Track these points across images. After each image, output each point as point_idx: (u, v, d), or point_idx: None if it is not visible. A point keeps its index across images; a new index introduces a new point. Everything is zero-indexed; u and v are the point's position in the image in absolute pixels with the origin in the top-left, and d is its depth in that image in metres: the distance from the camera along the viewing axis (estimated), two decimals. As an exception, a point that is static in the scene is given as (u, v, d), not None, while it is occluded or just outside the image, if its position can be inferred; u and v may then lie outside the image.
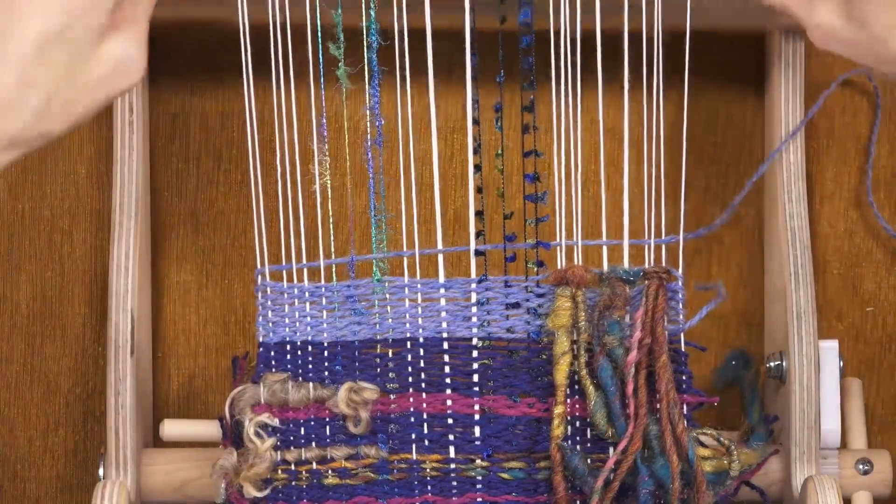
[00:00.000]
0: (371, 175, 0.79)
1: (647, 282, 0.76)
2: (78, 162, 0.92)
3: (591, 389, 0.75)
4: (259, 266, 0.79)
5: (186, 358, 0.92)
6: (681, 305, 0.78)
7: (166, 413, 0.91)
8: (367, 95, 0.78)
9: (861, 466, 0.84)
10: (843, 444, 0.85)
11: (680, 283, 0.78)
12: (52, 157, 0.92)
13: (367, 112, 0.78)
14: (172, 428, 0.85)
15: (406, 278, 0.79)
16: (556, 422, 0.75)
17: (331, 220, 0.79)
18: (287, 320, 0.79)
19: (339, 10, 0.77)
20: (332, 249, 0.79)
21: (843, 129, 0.93)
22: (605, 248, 0.78)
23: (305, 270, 0.79)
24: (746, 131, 0.92)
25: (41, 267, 0.92)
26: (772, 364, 0.83)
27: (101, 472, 0.83)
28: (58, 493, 0.92)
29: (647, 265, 0.77)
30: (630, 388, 0.74)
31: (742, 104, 0.92)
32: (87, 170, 0.92)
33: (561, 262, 0.78)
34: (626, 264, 0.78)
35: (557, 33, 0.78)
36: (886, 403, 0.94)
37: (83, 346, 0.92)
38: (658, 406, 0.75)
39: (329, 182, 0.78)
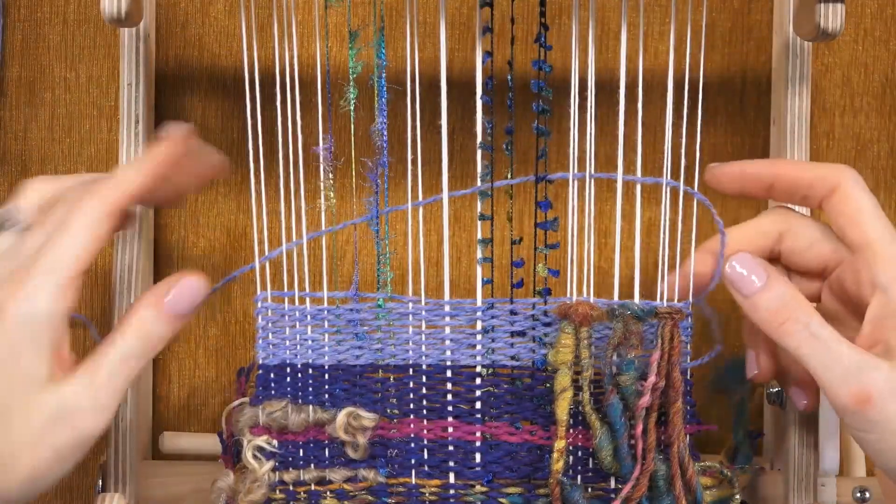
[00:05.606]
0: (376, 197, 0.78)
1: (660, 322, 0.75)
2: (78, 162, 0.91)
3: (596, 424, 0.75)
4: (260, 290, 0.78)
5: (186, 360, 0.92)
6: (689, 339, 0.77)
7: (166, 417, 0.92)
8: (376, 112, 0.78)
9: (859, 494, 0.84)
10: (842, 472, 0.85)
11: (690, 320, 0.77)
12: (52, 157, 0.91)
13: (374, 134, 0.78)
14: (172, 441, 0.85)
15: (410, 305, 0.78)
16: (555, 456, 0.75)
17: (334, 245, 0.79)
18: (287, 342, 0.78)
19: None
20: (336, 268, 0.79)
21: (843, 129, 0.92)
22: (616, 280, 0.78)
23: (307, 283, 0.79)
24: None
25: (41, 268, 0.91)
26: (772, 390, 0.83)
27: (99, 483, 0.83)
28: (58, 494, 0.92)
29: (658, 300, 0.77)
30: (639, 428, 0.74)
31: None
32: (88, 170, 0.91)
33: (571, 289, 0.78)
34: (636, 299, 0.77)
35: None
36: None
37: (84, 348, 0.92)
38: (665, 442, 0.75)
39: (334, 204, 0.78)
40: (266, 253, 0.78)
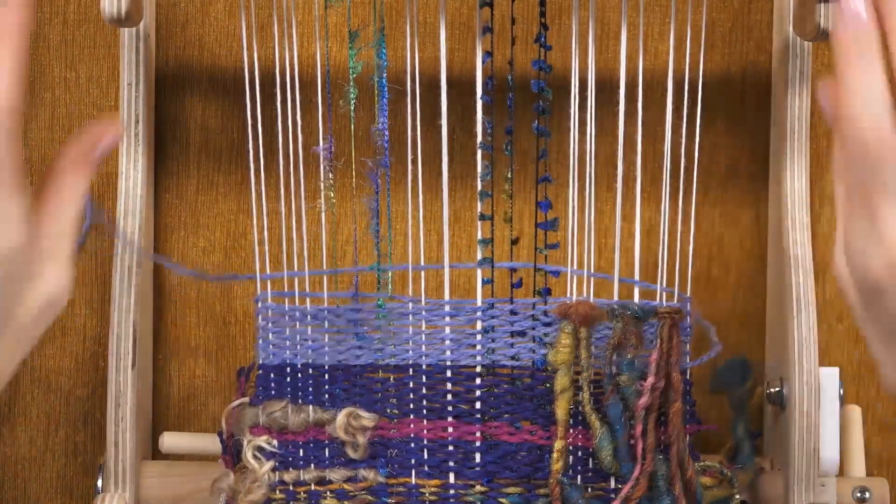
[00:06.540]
0: (377, 197, 0.78)
1: (660, 322, 0.75)
2: (78, 162, 0.91)
3: (596, 424, 0.75)
4: (260, 290, 0.78)
5: (186, 359, 0.92)
6: (688, 339, 0.77)
7: (166, 416, 0.91)
8: (376, 110, 0.78)
9: (859, 494, 0.84)
10: (842, 472, 0.85)
11: (689, 320, 0.77)
12: (52, 157, 0.91)
13: (375, 131, 0.78)
14: (172, 441, 0.85)
15: (410, 305, 0.78)
16: (555, 456, 0.75)
17: (334, 242, 0.79)
18: (288, 343, 0.78)
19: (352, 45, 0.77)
20: (336, 267, 0.79)
21: (845, 129, 0.92)
22: (616, 280, 0.78)
23: (307, 283, 0.79)
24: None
25: (41, 268, 0.91)
26: (772, 390, 0.83)
27: (99, 483, 0.83)
28: (58, 494, 0.92)
29: (658, 300, 0.77)
30: (639, 429, 0.74)
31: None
32: (88, 170, 0.91)
33: (570, 289, 0.77)
34: (636, 298, 0.77)
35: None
36: (886, 404, 0.94)
37: (84, 347, 0.92)
38: (665, 442, 0.75)
39: (334, 204, 0.78)
40: (266, 252, 0.78)
